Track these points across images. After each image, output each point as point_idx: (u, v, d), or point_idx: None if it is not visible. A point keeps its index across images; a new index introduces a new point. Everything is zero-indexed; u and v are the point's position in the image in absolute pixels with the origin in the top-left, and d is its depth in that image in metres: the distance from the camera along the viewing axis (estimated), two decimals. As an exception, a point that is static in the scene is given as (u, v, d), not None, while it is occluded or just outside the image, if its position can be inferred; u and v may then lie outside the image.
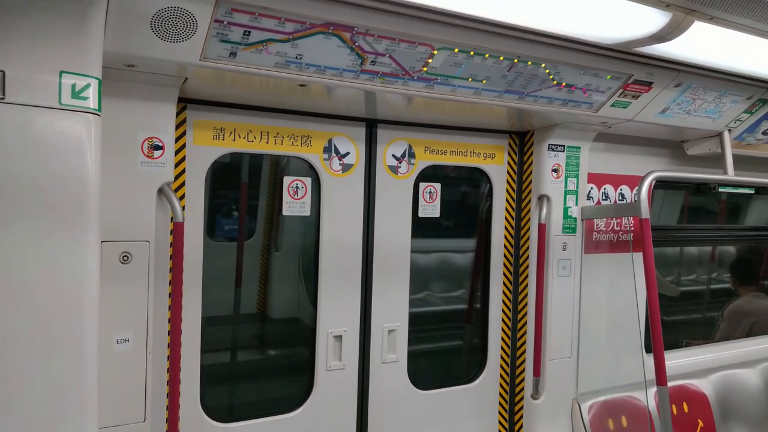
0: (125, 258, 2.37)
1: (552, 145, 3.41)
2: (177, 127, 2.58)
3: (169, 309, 2.53)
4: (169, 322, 2.53)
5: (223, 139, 2.78)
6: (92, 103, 1.83)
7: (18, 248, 1.74)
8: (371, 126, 3.14)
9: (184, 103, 2.66)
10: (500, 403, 3.64)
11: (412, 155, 3.25)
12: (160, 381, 2.54)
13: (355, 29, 2.24)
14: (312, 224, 3.07)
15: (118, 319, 2.37)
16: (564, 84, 2.84)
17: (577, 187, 3.53)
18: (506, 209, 3.58)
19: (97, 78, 1.84)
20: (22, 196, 1.74)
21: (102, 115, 1.88)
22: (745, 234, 5.36)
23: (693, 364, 4.18)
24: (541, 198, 3.44)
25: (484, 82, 2.69)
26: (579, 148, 3.51)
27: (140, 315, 2.42)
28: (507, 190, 3.57)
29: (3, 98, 1.71)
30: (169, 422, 2.52)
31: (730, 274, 5.37)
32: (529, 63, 2.65)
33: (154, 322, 2.46)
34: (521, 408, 3.59)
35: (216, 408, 2.87)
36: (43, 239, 1.76)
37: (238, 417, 2.91)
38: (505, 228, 3.59)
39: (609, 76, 2.88)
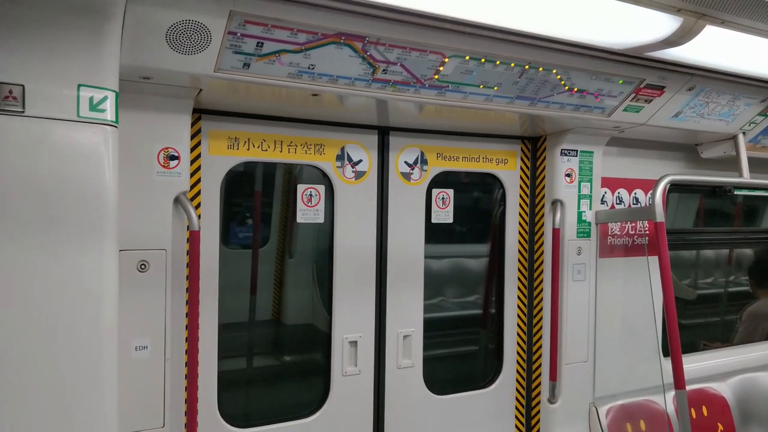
0: (143, 266, 2.41)
1: (565, 150, 3.41)
2: (192, 137, 2.61)
3: (186, 316, 2.56)
4: (186, 328, 2.57)
5: (238, 149, 2.81)
6: (110, 115, 1.87)
7: (38, 258, 1.78)
8: (383, 133, 3.16)
9: (199, 113, 2.70)
10: (517, 408, 3.63)
11: (424, 162, 3.27)
12: (179, 387, 2.57)
13: (367, 39, 2.27)
14: (326, 231, 3.10)
15: (136, 327, 2.40)
16: (576, 89, 2.84)
17: (591, 192, 3.52)
18: (520, 214, 3.58)
19: (114, 90, 1.88)
20: (42, 207, 1.78)
21: (119, 127, 1.92)
22: (761, 237, 5.30)
23: (712, 368, 4.14)
24: (555, 203, 3.43)
25: (495, 88, 2.70)
26: (592, 152, 3.50)
27: (158, 322, 2.45)
28: (520, 195, 3.57)
29: (23, 111, 1.75)
30: (188, 427, 2.55)
31: (748, 277, 5.31)
32: (541, 69, 2.66)
33: (172, 329, 2.49)
34: (538, 412, 3.57)
35: (233, 413, 2.90)
36: (63, 249, 1.80)
37: (255, 422, 2.94)
38: (519, 233, 3.58)
39: (621, 81, 2.88)
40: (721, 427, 3.96)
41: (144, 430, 2.45)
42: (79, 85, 1.82)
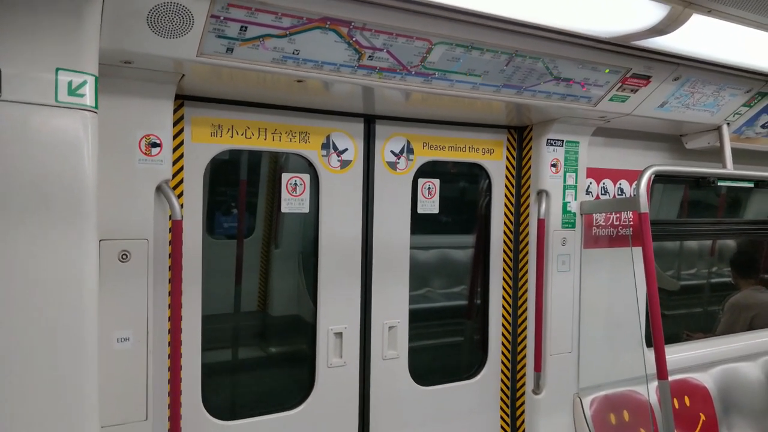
0: (124, 256, 2.37)
1: (551, 139, 3.41)
2: (174, 124, 2.57)
3: (169, 307, 2.53)
4: (169, 320, 2.53)
5: (221, 136, 2.77)
6: (89, 100, 1.82)
7: (15, 247, 1.73)
8: (369, 122, 3.14)
9: (182, 99, 2.66)
10: (501, 399, 3.64)
11: (410, 151, 3.24)
12: (162, 379, 2.53)
13: (353, 24, 2.24)
14: (311, 221, 3.07)
15: (117, 318, 2.36)
16: (562, 78, 2.83)
17: (576, 182, 3.53)
18: (505, 204, 3.58)
19: (93, 75, 1.84)
20: (19, 194, 1.73)
21: (99, 113, 1.87)
22: (744, 228, 5.36)
23: (694, 358, 4.18)
24: (540, 193, 3.43)
25: (482, 76, 2.68)
26: (578, 142, 3.51)
27: (140, 313, 2.41)
28: (506, 185, 3.57)
29: None
30: (171, 420, 2.52)
31: (731, 268, 5.37)
32: (527, 57, 2.64)
33: (154, 321, 2.45)
34: (522, 403, 3.59)
35: (218, 406, 2.87)
36: (41, 238, 1.75)
37: (240, 414, 2.91)
38: (505, 223, 3.58)
39: (607, 70, 2.88)
40: (703, 417, 4.00)
41: (126, 423, 2.41)
42: (58, 69, 1.77)
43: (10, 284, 1.73)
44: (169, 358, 2.53)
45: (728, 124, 3.66)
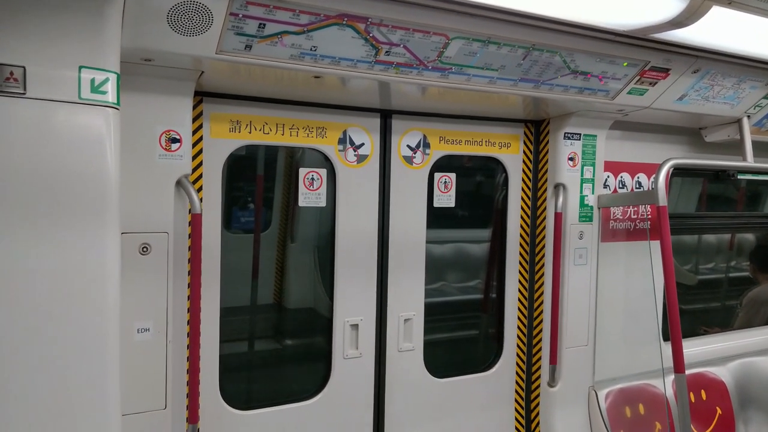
0: (145, 249, 2.41)
1: (568, 133, 3.39)
2: (194, 120, 2.60)
3: (188, 299, 2.57)
4: (188, 311, 2.57)
5: (239, 132, 2.80)
6: (111, 97, 1.85)
7: (40, 241, 1.77)
8: (386, 117, 3.15)
9: (201, 96, 2.69)
10: (516, 391, 3.65)
11: (426, 145, 3.25)
12: (181, 369, 2.58)
13: (370, 20, 2.24)
14: (328, 215, 3.09)
15: (138, 309, 2.41)
16: (580, 72, 2.82)
17: (594, 176, 3.51)
18: (522, 198, 3.57)
19: (115, 72, 1.87)
20: (43, 190, 1.77)
21: (120, 109, 1.91)
22: (764, 221, 5.29)
23: (711, 352, 4.16)
24: (557, 187, 3.42)
25: (499, 71, 2.67)
26: (595, 136, 3.49)
27: (160, 305, 2.45)
28: (523, 179, 3.56)
29: (24, 93, 1.74)
30: (190, 409, 2.57)
31: (749, 262, 5.31)
32: (545, 51, 2.63)
33: (174, 312, 2.50)
34: (537, 396, 3.60)
35: (235, 395, 2.91)
36: (64, 231, 1.80)
37: (257, 404, 2.96)
38: (521, 217, 3.58)
39: (625, 63, 2.86)
40: (719, 411, 3.98)
41: (146, 411, 2.46)
42: (81, 67, 1.80)
43: (35, 276, 1.77)
44: (188, 348, 2.58)
45: (749, 116, 3.61)
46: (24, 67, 1.73)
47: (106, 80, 1.84)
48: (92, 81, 1.82)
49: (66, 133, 1.79)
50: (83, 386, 1.85)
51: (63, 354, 1.82)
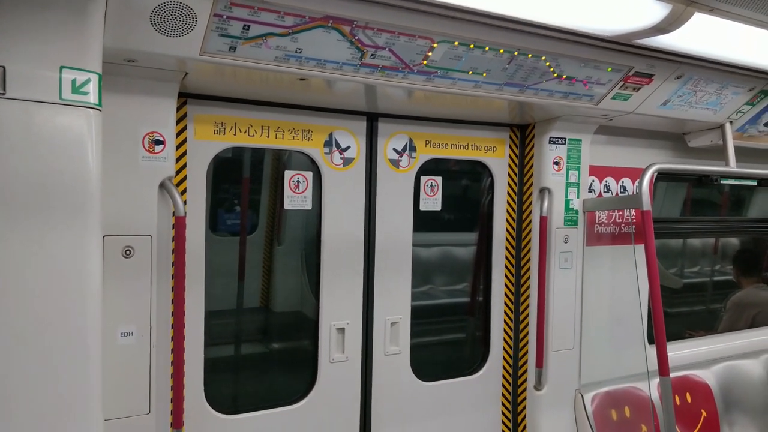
0: (128, 252, 2.39)
1: (553, 137, 3.41)
2: (178, 121, 2.58)
3: (172, 302, 2.55)
4: (172, 315, 2.55)
5: (224, 134, 2.79)
6: (93, 98, 1.83)
7: (20, 243, 1.75)
8: (372, 120, 3.15)
9: (185, 97, 2.67)
10: (503, 395, 3.65)
11: (413, 149, 3.25)
12: (164, 373, 2.56)
13: (355, 23, 2.25)
14: (314, 218, 3.08)
15: (121, 313, 2.38)
16: (564, 76, 2.84)
17: (579, 180, 3.53)
18: (508, 202, 3.58)
19: (97, 73, 1.85)
20: (24, 191, 1.75)
21: (103, 110, 1.89)
22: (747, 226, 5.35)
23: (696, 355, 4.19)
24: (543, 191, 3.44)
25: (484, 74, 2.69)
26: (580, 140, 3.51)
27: (143, 308, 2.43)
28: (508, 183, 3.58)
29: (4, 93, 1.72)
30: (174, 414, 2.55)
31: (733, 266, 5.37)
32: (530, 56, 2.65)
33: (158, 316, 2.48)
34: (524, 399, 3.60)
35: (220, 400, 2.89)
36: (45, 234, 1.77)
37: (243, 409, 2.94)
38: (507, 221, 3.59)
39: (610, 69, 2.88)
40: (704, 414, 4.01)
41: (129, 416, 2.44)
42: (62, 67, 1.79)
43: (16, 279, 1.75)
44: (172, 352, 2.55)
45: (731, 122, 3.65)
46: (3, 67, 1.71)
47: (88, 81, 1.82)
48: (73, 81, 1.80)
49: (46, 134, 1.77)
50: (65, 391, 1.82)
51: (44, 358, 1.79)
